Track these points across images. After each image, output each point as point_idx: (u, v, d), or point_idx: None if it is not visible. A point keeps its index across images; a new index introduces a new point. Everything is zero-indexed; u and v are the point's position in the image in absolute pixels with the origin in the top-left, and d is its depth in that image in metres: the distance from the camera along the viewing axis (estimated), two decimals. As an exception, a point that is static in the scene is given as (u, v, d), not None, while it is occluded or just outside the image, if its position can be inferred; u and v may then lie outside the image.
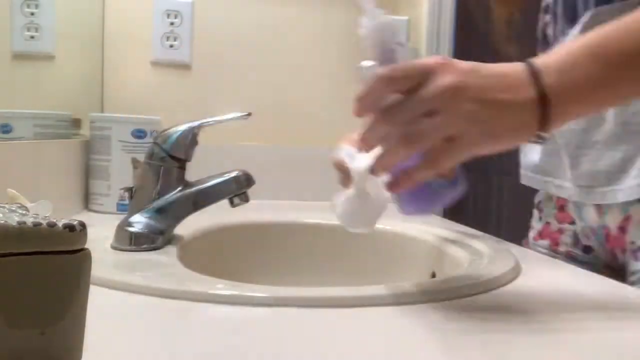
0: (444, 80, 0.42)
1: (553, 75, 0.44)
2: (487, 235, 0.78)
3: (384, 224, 0.85)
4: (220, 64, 1.15)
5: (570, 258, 0.72)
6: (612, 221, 0.65)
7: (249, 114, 0.67)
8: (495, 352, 0.36)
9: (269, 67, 1.17)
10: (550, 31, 0.69)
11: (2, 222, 0.25)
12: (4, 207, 0.30)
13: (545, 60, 0.45)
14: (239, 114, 0.67)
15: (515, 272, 0.56)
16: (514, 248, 0.70)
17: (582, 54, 0.45)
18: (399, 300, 0.46)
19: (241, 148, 1.13)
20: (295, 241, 0.85)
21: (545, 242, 0.75)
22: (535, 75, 0.44)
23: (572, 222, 0.72)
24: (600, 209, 0.66)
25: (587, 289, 0.54)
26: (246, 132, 1.15)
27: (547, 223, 0.75)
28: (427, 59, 0.44)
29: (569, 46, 0.46)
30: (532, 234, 0.79)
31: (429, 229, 0.81)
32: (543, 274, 0.60)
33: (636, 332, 0.42)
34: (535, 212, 0.80)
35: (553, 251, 0.74)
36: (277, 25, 1.17)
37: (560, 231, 0.73)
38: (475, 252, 0.66)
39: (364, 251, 0.84)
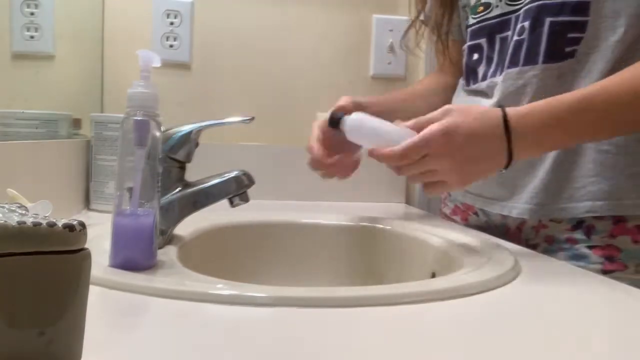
0: (439, 157, 0.64)
1: (522, 145, 0.64)
2: (486, 235, 0.78)
3: (383, 224, 0.86)
4: (220, 64, 1.15)
5: (480, 228, 0.87)
6: (512, 223, 0.81)
7: (252, 118, 0.67)
8: (495, 352, 0.36)
9: (269, 66, 1.17)
10: (481, 70, 0.82)
11: (1, 222, 0.25)
12: (3, 207, 0.30)
13: (521, 129, 0.64)
14: (241, 118, 0.66)
15: (515, 272, 0.56)
16: (514, 248, 0.70)
17: (549, 132, 0.65)
18: (399, 300, 0.46)
19: (241, 148, 1.13)
20: (295, 241, 0.85)
21: (458, 217, 0.92)
22: (509, 143, 0.63)
23: (476, 213, 0.88)
24: (502, 215, 0.81)
25: (586, 289, 0.54)
26: (246, 132, 1.15)
27: (456, 205, 0.93)
28: (428, 138, 0.63)
29: (541, 122, 0.65)
30: (447, 209, 0.96)
31: (429, 229, 0.81)
32: (542, 274, 0.60)
33: (636, 332, 0.42)
34: (445, 193, 0.96)
35: (465, 224, 0.90)
36: (277, 25, 1.17)
37: (468, 213, 0.90)
38: (475, 252, 0.66)
39: (364, 251, 0.84)
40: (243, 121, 0.67)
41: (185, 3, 1.12)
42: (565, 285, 0.55)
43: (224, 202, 0.65)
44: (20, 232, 0.25)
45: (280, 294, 0.45)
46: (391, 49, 1.20)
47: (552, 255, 0.73)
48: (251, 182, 0.66)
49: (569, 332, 0.41)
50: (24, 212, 0.30)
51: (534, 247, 0.78)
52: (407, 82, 1.22)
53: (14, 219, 0.26)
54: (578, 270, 0.62)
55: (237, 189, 0.65)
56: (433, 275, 0.72)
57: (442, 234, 0.77)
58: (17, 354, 0.26)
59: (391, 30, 1.20)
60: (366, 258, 0.84)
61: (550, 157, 0.74)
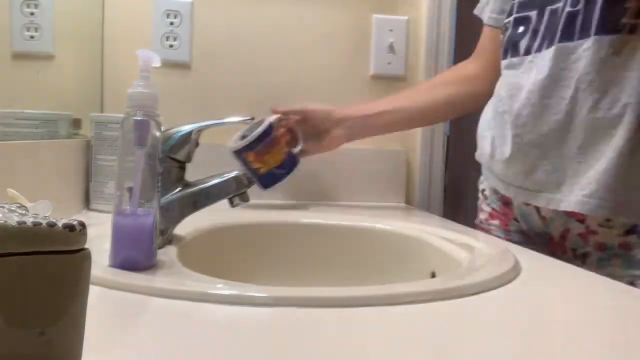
0: None
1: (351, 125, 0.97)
2: (486, 235, 0.78)
3: (383, 224, 0.86)
4: (219, 64, 1.15)
5: (522, 234, 0.83)
6: (555, 231, 0.76)
7: (252, 118, 0.67)
8: (494, 352, 0.36)
9: (269, 66, 1.17)
10: (523, 44, 0.76)
11: (1, 222, 0.25)
12: (3, 207, 0.30)
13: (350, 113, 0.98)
14: (241, 118, 0.67)
15: (515, 271, 0.56)
16: (514, 248, 0.70)
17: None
18: (399, 300, 0.46)
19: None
20: (295, 241, 0.85)
21: (497, 222, 0.87)
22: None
23: (516, 219, 0.83)
24: (544, 220, 0.76)
25: (586, 289, 0.54)
26: (246, 132, 1.15)
27: (494, 210, 0.88)
28: None
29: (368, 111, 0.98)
30: (483, 215, 0.91)
31: (429, 229, 0.81)
32: (542, 273, 0.60)
33: (636, 332, 0.42)
34: (481, 197, 0.93)
35: (504, 231, 0.86)
36: (277, 25, 1.17)
37: (508, 219, 0.85)
38: (475, 252, 0.66)
39: (364, 251, 0.84)
40: (243, 121, 0.67)
41: (185, 3, 1.12)
42: (565, 285, 0.55)
43: (224, 202, 0.65)
44: (20, 232, 0.25)
45: (280, 294, 0.45)
46: (391, 48, 1.20)
47: (605, 264, 0.68)
48: (251, 182, 0.66)
49: (569, 332, 0.41)
50: (23, 212, 0.30)
51: (583, 257, 0.72)
52: (407, 81, 1.22)
53: (13, 219, 0.26)
54: (578, 270, 0.62)
55: (237, 189, 0.65)
56: (433, 275, 0.72)
57: (442, 234, 0.77)
58: (17, 354, 0.26)
59: (391, 30, 1.20)
60: (366, 258, 0.84)
61: (615, 145, 0.66)
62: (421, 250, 0.77)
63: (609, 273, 0.60)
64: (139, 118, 0.51)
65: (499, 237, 0.84)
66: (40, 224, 0.26)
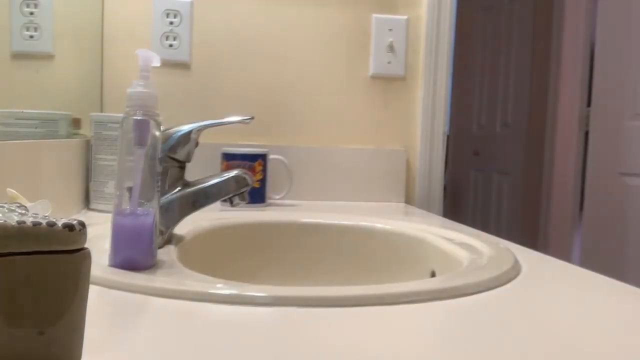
0: None
1: None
2: (487, 235, 0.78)
3: (383, 224, 0.86)
4: (219, 64, 1.15)
5: None
6: None
7: (252, 118, 0.67)
8: (494, 352, 0.36)
9: (268, 66, 1.17)
10: None
11: (1, 221, 0.25)
12: (3, 207, 0.30)
13: None
14: (241, 117, 0.67)
15: (515, 271, 0.56)
16: (514, 247, 0.70)
17: None
18: (399, 299, 0.46)
19: (241, 148, 1.13)
20: (295, 241, 0.85)
21: None
22: None
23: None
24: None
25: (586, 289, 0.54)
26: (246, 132, 1.15)
27: None
28: None
29: None
30: None
31: (429, 228, 0.81)
32: (543, 273, 0.60)
33: (637, 332, 0.42)
34: None
35: None
36: (276, 24, 1.17)
37: None
38: (475, 252, 0.66)
39: (364, 251, 0.84)
40: (243, 121, 0.67)
41: (184, 3, 1.12)
42: (565, 285, 0.55)
43: (224, 202, 0.65)
44: (20, 232, 0.25)
45: (280, 293, 0.45)
46: (391, 48, 1.20)
47: None
48: (251, 181, 0.66)
49: (569, 332, 0.41)
50: (23, 211, 0.30)
51: None
52: (407, 81, 1.22)
53: (13, 219, 0.26)
54: (578, 270, 0.62)
55: (237, 189, 0.65)
56: (433, 275, 0.72)
57: (442, 234, 0.77)
58: (17, 354, 0.26)
59: (391, 30, 1.20)
60: (366, 258, 0.84)
61: None
62: (421, 250, 0.77)
63: None
64: (138, 118, 0.51)
65: None
66: (39, 223, 0.26)
